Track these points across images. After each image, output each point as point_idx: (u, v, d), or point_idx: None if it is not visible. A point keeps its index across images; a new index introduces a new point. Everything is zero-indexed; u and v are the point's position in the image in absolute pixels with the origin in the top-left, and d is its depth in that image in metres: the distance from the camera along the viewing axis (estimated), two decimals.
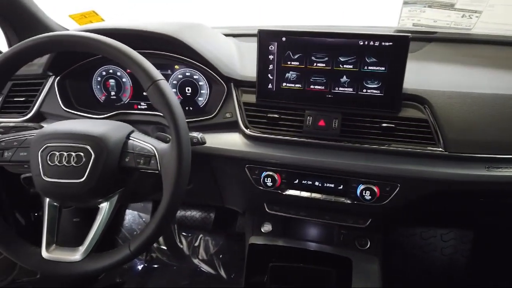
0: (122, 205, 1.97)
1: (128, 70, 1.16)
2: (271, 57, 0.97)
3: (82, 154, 0.80)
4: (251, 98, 1.03)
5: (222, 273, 1.83)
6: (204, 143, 0.90)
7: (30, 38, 0.82)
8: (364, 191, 0.96)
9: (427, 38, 1.22)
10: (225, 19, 1.72)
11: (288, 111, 1.01)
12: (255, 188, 1.04)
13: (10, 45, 1.32)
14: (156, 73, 0.79)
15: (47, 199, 0.87)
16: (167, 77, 1.12)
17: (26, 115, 1.16)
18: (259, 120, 1.02)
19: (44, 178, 0.81)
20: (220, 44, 1.16)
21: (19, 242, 0.88)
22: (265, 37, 0.96)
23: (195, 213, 1.92)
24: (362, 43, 0.90)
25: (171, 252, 1.93)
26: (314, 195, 1.03)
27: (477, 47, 1.20)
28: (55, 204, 0.88)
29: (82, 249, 0.83)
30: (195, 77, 1.12)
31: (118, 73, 1.17)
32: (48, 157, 0.81)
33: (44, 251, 0.85)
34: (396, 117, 0.95)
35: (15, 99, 1.19)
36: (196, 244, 1.93)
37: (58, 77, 1.15)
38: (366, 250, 1.19)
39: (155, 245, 1.94)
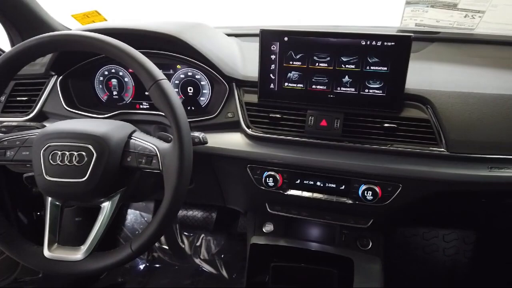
0: (124, 205, 1.98)
1: (130, 70, 1.16)
2: (273, 57, 0.97)
3: (84, 153, 0.80)
4: (253, 98, 1.03)
5: (224, 273, 1.83)
6: (206, 143, 0.90)
7: (33, 38, 0.82)
8: (365, 191, 0.96)
9: (430, 38, 1.22)
10: (227, 19, 1.72)
11: (290, 111, 1.01)
12: (256, 188, 1.04)
13: (13, 44, 1.33)
14: (158, 73, 0.79)
15: (49, 199, 0.87)
16: (169, 76, 1.13)
17: (29, 114, 1.16)
18: (261, 120, 1.02)
19: (46, 177, 0.81)
20: (222, 44, 1.16)
21: (21, 241, 0.88)
22: (267, 37, 0.96)
23: (196, 213, 1.92)
24: (364, 43, 0.90)
25: (173, 251, 1.93)
26: (316, 195, 1.03)
27: (480, 47, 1.19)
28: (57, 203, 0.88)
29: (84, 248, 0.83)
30: (197, 77, 1.12)
31: (120, 73, 1.17)
32: (50, 157, 0.81)
33: (46, 250, 0.85)
34: (398, 117, 0.95)
35: (17, 98, 1.19)
36: (198, 244, 1.94)
37: (61, 77, 1.15)
38: (367, 251, 1.19)
39: (156, 244, 1.94)
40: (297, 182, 1.03)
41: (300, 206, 1.10)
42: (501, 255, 1.60)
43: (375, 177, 0.96)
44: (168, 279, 1.84)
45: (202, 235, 1.95)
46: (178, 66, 1.12)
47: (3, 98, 1.19)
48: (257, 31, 0.96)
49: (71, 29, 1.37)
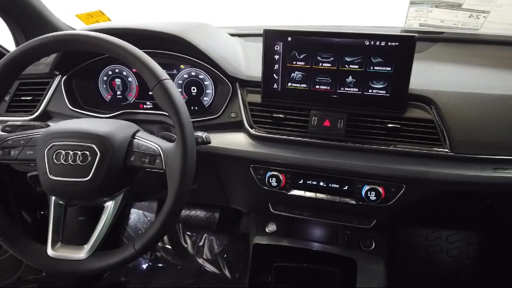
0: (127, 204, 1.98)
1: (134, 70, 1.17)
2: (276, 57, 0.97)
3: (87, 153, 0.81)
4: (256, 98, 1.03)
5: (227, 272, 1.83)
6: (209, 142, 0.90)
7: (37, 38, 0.83)
8: (369, 192, 0.96)
9: (434, 38, 1.22)
10: (227, 19, 1.72)
11: (293, 111, 1.01)
12: (259, 188, 1.04)
13: (17, 44, 1.33)
14: (162, 73, 0.79)
15: (53, 198, 0.88)
16: (172, 76, 1.13)
17: (33, 114, 1.16)
18: (264, 120, 1.02)
19: (50, 176, 0.82)
20: (225, 44, 1.16)
21: (25, 240, 0.88)
22: (270, 37, 0.96)
23: (199, 213, 1.92)
24: (368, 43, 0.90)
25: (176, 251, 1.94)
26: (319, 195, 1.03)
27: (485, 47, 1.19)
28: (60, 202, 0.88)
29: (87, 247, 0.83)
30: (200, 76, 1.12)
31: (124, 73, 1.18)
32: (54, 156, 0.82)
33: (49, 249, 0.85)
34: (401, 117, 0.94)
35: (22, 98, 1.20)
36: (201, 243, 1.94)
37: (65, 77, 1.15)
38: (370, 251, 1.18)
39: (159, 244, 1.94)
40: (300, 182, 1.02)
41: (303, 206, 1.10)
42: (505, 256, 1.60)
43: (379, 177, 0.95)
44: (170, 279, 1.84)
45: (205, 235, 1.95)
46: (182, 66, 1.12)
47: (7, 98, 1.20)
48: (261, 31, 0.96)
49: (75, 29, 1.38)
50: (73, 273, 0.84)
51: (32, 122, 1.04)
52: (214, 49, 1.05)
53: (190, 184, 0.79)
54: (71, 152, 0.81)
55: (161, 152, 0.82)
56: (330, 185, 1.01)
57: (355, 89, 0.95)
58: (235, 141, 1.03)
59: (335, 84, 0.96)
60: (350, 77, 0.94)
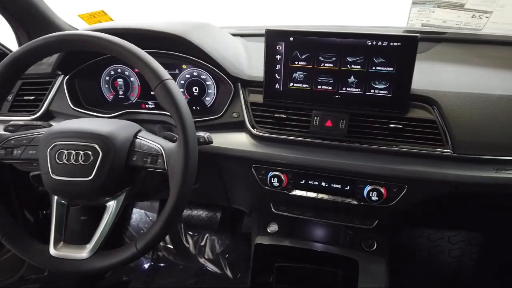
0: (129, 204, 1.99)
1: (136, 70, 1.17)
2: (278, 57, 0.97)
3: (90, 152, 0.81)
4: (258, 98, 1.03)
5: (228, 272, 1.83)
6: (211, 142, 0.90)
7: (40, 38, 0.83)
8: (371, 192, 0.96)
9: (436, 38, 1.21)
10: (232, 19, 1.72)
11: (295, 111, 1.01)
12: (261, 188, 1.04)
13: (20, 44, 1.34)
14: (164, 73, 0.80)
15: (55, 197, 0.88)
16: (174, 76, 1.13)
17: (35, 113, 1.17)
18: (266, 120, 1.02)
19: (52, 176, 0.82)
20: (227, 44, 1.16)
21: (28, 240, 0.88)
22: (272, 37, 0.96)
23: (201, 213, 1.92)
24: (370, 43, 0.90)
25: (177, 251, 1.94)
26: (321, 195, 1.03)
27: (487, 47, 1.18)
28: (63, 202, 0.88)
29: (89, 247, 0.84)
30: (202, 76, 1.12)
31: (126, 73, 1.18)
32: (56, 156, 0.82)
33: (52, 248, 0.85)
34: (404, 117, 0.94)
35: (24, 97, 1.20)
36: (202, 243, 1.94)
37: (67, 76, 1.16)
38: (372, 251, 1.18)
39: (161, 244, 1.95)
40: (302, 182, 1.02)
41: (305, 206, 1.10)
42: (507, 257, 1.59)
43: (381, 178, 0.95)
44: (172, 279, 1.84)
45: (207, 234, 1.95)
46: (184, 66, 1.13)
47: (10, 97, 1.20)
48: (263, 31, 0.96)
49: (77, 29, 1.38)
50: (75, 272, 0.84)
51: (34, 121, 1.05)
52: (216, 49, 1.05)
53: (192, 184, 0.79)
54: (73, 152, 0.81)
55: (163, 152, 0.82)
56: (332, 185, 1.01)
57: (357, 89, 0.95)
58: (237, 141, 1.03)
59: (337, 84, 0.96)
60: (352, 77, 0.94)
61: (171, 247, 1.95)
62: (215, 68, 1.07)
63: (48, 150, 0.82)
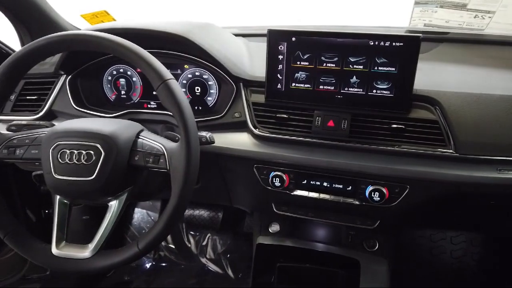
0: (131, 204, 1.99)
1: (139, 70, 1.17)
2: (280, 57, 0.97)
3: (92, 152, 0.81)
4: (260, 98, 1.03)
5: (230, 272, 1.83)
6: (213, 142, 0.90)
7: (43, 37, 0.83)
8: (372, 192, 0.96)
9: (439, 38, 1.21)
10: (233, 19, 1.72)
11: (297, 111, 1.01)
12: (263, 188, 1.04)
13: (23, 44, 1.34)
14: (166, 73, 0.80)
15: (58, 197, 0.88)
16: (176, 76, 1.13)
17: (38, 113, 1.17)
18: (268, 120, 1.02)
19: (54, 175, 0.82)
20: (229, 44, 1.16)
21: (30, 239, 0.88)
22: (274, 37, 0.96)
23: (203, 212, 1.92)
24: (372, 44, 0.90)
25: (179, 251, 1.94)
26: (323, 195, 1.02)
27: (490, 48, 1.18)
28: (65, 201, 0.88)
29: (91, 246, 0.84)
30: (204, 76, 1.12)
31: (129, 72, 1.18)
32: (59, 155, 0.82)
33: (54, 248, 0.85)
34: (406, 118, 0.94)
35: (27, 97, 1.20)
36: (204, 243, 1.94)
37: (70, 76, 1.16)
38: (374, 252, 1.18)
39: (163, 243, 1.95)
40: (303, 182, 1.02)
41: (307, 206, 1.10)
42: (509, 258, 1.59)
43: (382, 178, 0.95)
44: (174, 278, 1.85)
45: (208, 234, 1.96)
46: (186, 66, 1.13)
47: (13, 97, 1.20)
48: (265, 31, 0.96)
49: (80, 29, 1.38)
50: (77, 272, 0.84)
51: (37, 121, 1.05)
52: (218, 49, 1.05)
53: (193, 184, 0.79)
54: (75, 152, 0.81)
55: (165, 152, 0.82)
56: (333, 185, 1.01)
57: (359, 90, 0.95)
58: (239, 141, 1.03)
59: (339, 84, 0.96)
60: (354, 77, 0.94)
61: (173, 246, 1.95)
62: (217, 68, 1.07)
63: (51, 150, 0.83)
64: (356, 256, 1.17)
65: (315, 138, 0.99)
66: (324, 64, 0.95)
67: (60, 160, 0.82)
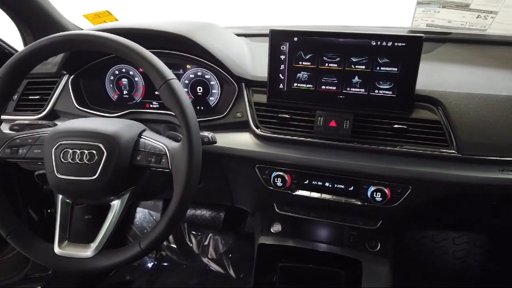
0: (133, 203, 1.99)
1: (141, 69, 1.17)
2: (282, 57, 0.97)
3: (94, 152, 0.81)
4: (262, 98, 1.03)
5: (231, 272, 1.83)
6: (215, 142, 0.90)
7: (45, 37, 0.83)
8: (375, 193, 0.96)
9: (441, 38, 1.21)
10: (233, 19, 1.72)
11: (299, 111, 1.01)
12: (265, 188, 1.04)
13: (25, 44, 1.34)
14: (168, 73, 0.80)
15: (60, 196, 0.88)
16: (179, 76, 1.13)
17: (41, 113, 1.17)
18: (270, 120, 1.02)
19: (57, 175, 0.82)
20: (231, 44, 1.16)
21: (32, 238, 0.89)
22: (276, 37, 0.96)
23: (205, 212, 1.92)
24: (374, 44, 0.90)
25: (181, 250, 1.94)
26: (324, 196, 1.02)
27: (492, 48, 1.18)
28: (67, 201, 0.89)
29: (93, 245, 0.84)
30: (206, 76, 1.13)
31: (131, 72, 1.18)
32: (61, 155, 0.82)
33: (56, 247, 0.85)
34: (408, 118, 0.94)
35: (30, 97, 1.21)
36: (206, 243, 1.94)
37: (72, 76, 1.16)
38: (376, 252, 1.18)
39: (165, 243, 1.95)
40: (305, 182, 1.02)
41: (308, 206, 1.10)
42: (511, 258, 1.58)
43: (385, 178, 0.95)
44: (175, 278, 1.85)
45: (210, 234, 1.96)
46: (188, 66, 1.13)
47: (15, 97, 1.21)
48: (267, 31, 0.96)
49: (82, 29, 1.38)
50: (80, 271, 0.85)
51: (39, 121, 1.05)
52: (220, 49, 1.05)
53: (195, 183, 0.79)
54: (78, 151, 0.82)
55: (167, 152, 0.82)
56: (335, 185, 1.01)
57: (361, 90, 0.95)
58: (241, 141, 1.03)
59: (341, 84, 0.96)
60: (356, 77, 0.94)
61: (175, 246, 1.95)
62: (219, 68, 1.07)
63: (53, 149, 0.83)
64: (358, 257, 1.17)
65: (317, 138, 0.99)
66: (326, 64, 0.95)
67: (62, 159, 0.82)
